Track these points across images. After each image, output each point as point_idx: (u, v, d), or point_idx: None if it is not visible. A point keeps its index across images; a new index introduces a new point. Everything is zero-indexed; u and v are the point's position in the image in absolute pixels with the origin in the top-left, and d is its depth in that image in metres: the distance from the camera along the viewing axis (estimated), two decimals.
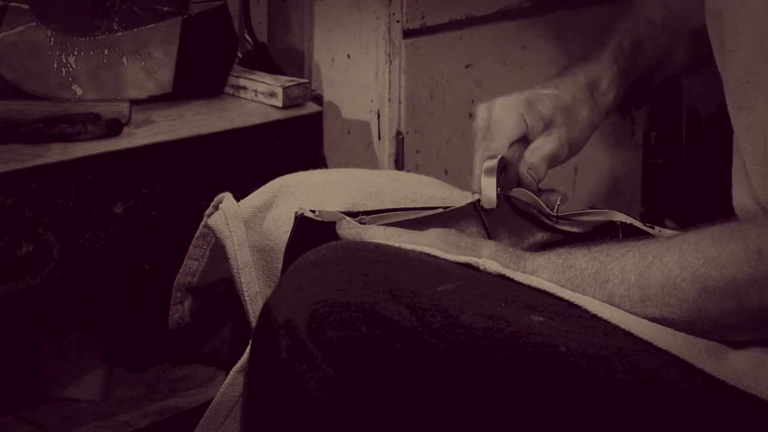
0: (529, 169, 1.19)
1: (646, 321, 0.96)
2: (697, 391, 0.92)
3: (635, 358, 0.93)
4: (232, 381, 1.08)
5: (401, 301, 0.91)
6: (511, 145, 1.19)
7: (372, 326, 0.90)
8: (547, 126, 1.21)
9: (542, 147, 1.20)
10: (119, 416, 1.72)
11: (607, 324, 0.95)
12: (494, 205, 1.14)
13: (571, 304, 0.97)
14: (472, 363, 0.90)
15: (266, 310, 0.94)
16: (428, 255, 1.01)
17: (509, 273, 0.99)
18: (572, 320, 0.95)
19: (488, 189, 1.15)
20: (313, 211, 1.10)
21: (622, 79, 1.29)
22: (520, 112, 1.19)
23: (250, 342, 0.98)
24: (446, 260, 1.00)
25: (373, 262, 0.96)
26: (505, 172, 1.18)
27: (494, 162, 1.16)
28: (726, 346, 0.95)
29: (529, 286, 0.98)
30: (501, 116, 1.19)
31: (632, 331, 0.95)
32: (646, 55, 1.31)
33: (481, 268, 1.00)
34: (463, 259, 1.01)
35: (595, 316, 0.96)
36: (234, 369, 1.09)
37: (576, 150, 1.25)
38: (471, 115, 1.66)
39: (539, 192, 1.20)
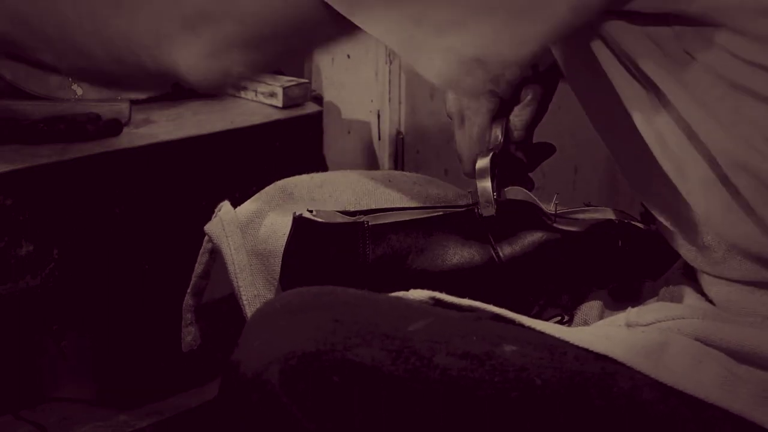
0: (517, 150, 1.18)
1: (616, 338, 0.95)
2: (673, 410, 0.91)
3: (608, 381, 0.91)
4: None
5: (374, 345, 0.89)
6: (493, 119, 1.18)
7: (345, 375, 0.87)
8: (520, 86, 1.19)
9: (522, 115, 1.18)
10: (119, 416, 1.72)
11: (576, 348, 0.93)
12: (493, 212, 1.13)
13: (539, 332, 0.95)
14: (450, 403, 0.89)
15: (234, 364, 0.91)
16: (398, 297, 0.99)
17: (468, 303, 0.97)
18: (544, 348, 0.93)
19: (485, 194, 1.14)
20: (311, 211, 1.10)
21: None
22: (488, 89, 1.17)
23: (219, 398, 0.94)
24: (413, 298, 0.98)
25: (341, 305, 0.93)
26: (499, 162, 1.17)
27: (486, 162, 1.15)
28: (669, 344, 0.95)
29: (498, 316, 0.97)
30: (470, 101, 1.17)
31: (604, 353, 0.93)
32: None
33: (446, 300, 0.98)
34: (428, 294, 0.98)
35: (564, 342, 0.94)
36: None
37: (552, 92, 1.21)
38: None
39: (531, 161, 1.19)
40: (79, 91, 1.62)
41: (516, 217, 1.16)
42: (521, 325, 0.95)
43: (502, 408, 0.89)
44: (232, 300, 1.18)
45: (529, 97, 1.19)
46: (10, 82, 1.62)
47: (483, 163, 1.15)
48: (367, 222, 1.10)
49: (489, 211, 1.13)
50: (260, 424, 0.88)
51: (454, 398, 0.89)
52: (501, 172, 1.17)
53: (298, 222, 1.09)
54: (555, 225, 1.17)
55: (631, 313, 1.00)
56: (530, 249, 1.13)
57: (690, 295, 1.02)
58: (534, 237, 1.16)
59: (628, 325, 1.00)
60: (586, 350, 0.93)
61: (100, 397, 1.76)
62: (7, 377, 1.73)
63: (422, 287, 1.01)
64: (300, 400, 0.87)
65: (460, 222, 1.13)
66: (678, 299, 1.03)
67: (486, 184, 1.13)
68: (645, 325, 0.99)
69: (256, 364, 0.89)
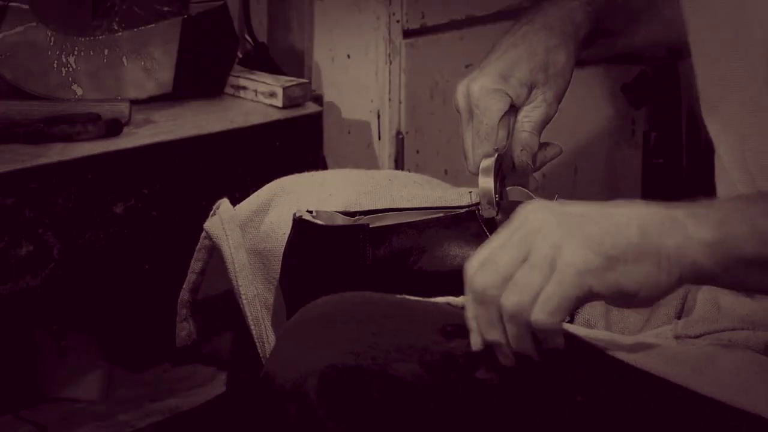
0: (522, 150, 1.17)
1: (665, 354, 0.93)
2: (719, 425, 0.90)
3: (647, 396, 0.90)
4: None
5: (413, 360, 0.88)
6: (501, 118, 1.17)
7: (384, 390, 0.86)
8: (531, 88, 1.18)
9: (531, 115, 1.17)
10: (119, 416, 1.72)
11: (618, 363, 0.91)
12: (494, 214, 1.12)
13: (585, 342, 0.93)
14: (492, 415, 0.87)
15: (269, 376, 0.89)
16: (435, 304, 0.97)
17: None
18: (585, 363, 0.92)
19: (487, 194, 1.13)
20: (310, 212, 1.10)
21: (593, 17, 1.22)
22: (499, 88, 1.16)
23: (255, 409, 0.93)
24: (456, 306, 0.96)
25: (380, 317, 0.92)
26: (502, 163, 1.16)
27: (491, 162, 1.14)
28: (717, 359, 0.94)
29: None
30: (481, 98, 1.16)
31: (648, 369, 0.91)
32: (608, 15, 1.25)
33: (459, 302, 0.97)
34: (464, 300, 0.95)
35: (617, 360, 0.92)
36: None
37: (562, 95, 1.21)
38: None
39: (535, 162, 1.18)
40: (79, 91, 1.62)
41: None
42: (577, 338, 0.93)
43: (534, 419, 0.88)
44: (228, 297, 1.18)
45: (539, 98, 1.18)
46: (10, 82, 1.62)
47: (488, 162, 1.14)
48: (368, 224, 1.10)
49: (490, 212, 1.12)
50: None
51: (496, 409, 0.87)
52: (505, 173, 1.17)
53: (299, 224, 1.09)
54: None
55: (679, 325, 0.99)
56: None
57: (736, 302, 1.00)
58: None
59: (677, 338, 0.98)
60: (628, 365, 0.91)
61: (100, 397, 1.76)
62: (7, 377, 1.73)
63: (423, 289, 1.01)
64: (337, 414, 0.85)
65: (461, 223, 1.13)
66: (724, 307, 1.01)
67: (489, 185, 1.13)
68: (694, 337, 0.97)
69: (293, 376, 0.87)
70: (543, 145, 1.21)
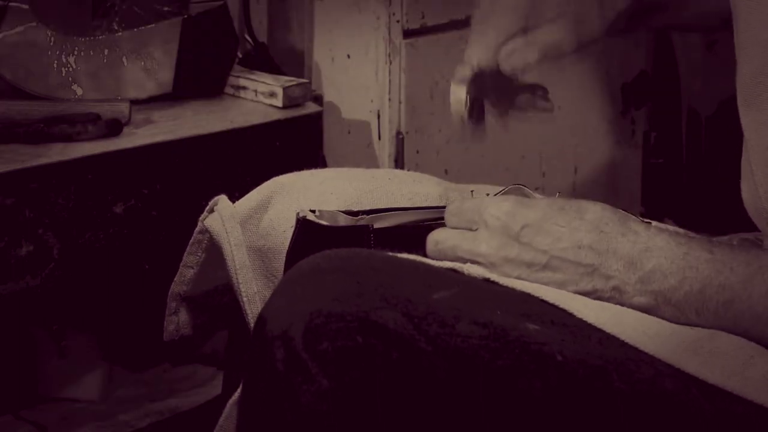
0: (513, 52, 1.14)
1: (640, 327, 0.95)
2: (693, 401, 0.91)
3: (631, 367, 0.91)
4: (229, 414, 1.08)
5: (397, 309, 0.90)
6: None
7: (368, 335, 0.88)
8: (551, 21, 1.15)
9: (542, 35, 1.14)
10: (119, 416, 1.72)
11: (601, 333, 0.94)
12: (462, 114, 1.11)
13: (564, 312, 0.95)
14: (468, 372, 0.89)
15: (261, 321, 0.93)
16: (422, 261, 1.00)
17: (495, 278, 0.98)
18: (566, 329, 0.94)
19: (457, 104, 1.11)
20: (313, 211, 1.10)
21: None
22: (523, 5, 1.14)
23: (246, 354, 0.96)
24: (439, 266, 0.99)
25: (367, 269, 0.95)
26: (486, 77, 1.14)
27: (467, 69, 1.11)
28: (716, 338, 0.94)
29: (522, 292, 0.97)
30: (500, 6, 1.14)
31: (626, 340, 0.93)
32: None
33: (466, 273, 0.99)
34: (448, 265, 0.99)
35: (589, 325, 0.94)
36: (230, 401, 1.08)
37: (582, 47, 1.17)
38: None
39: (516, 84, 1.16)
40: (79, 91, 1.62)
41: None
42: (547, 303, 0.96)
43: (519, 380, 0.89)
44: (223, 293, 1.18)
45: (557, 24, 1.15)
46: (10, 82, 1.62)
47: (464, 71, 1.12)
48: (372, 224, 1.10)
49: (458, 112, 1.11)
50: (282, 381, 0.89)
51: (472, 366, 0.89)
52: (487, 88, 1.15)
53: (303, 224, 1.09)
54: None
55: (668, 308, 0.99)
56: None
57: None
58: None
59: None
60: (610, 335, 0.93)
61: (100, 397, 1.76)
62: (7, 377, 1.73)
63: None
64: (320, 357, 0.88)
65: None
66: None
67: (460, 95, 1.11)
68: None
69: (281, 320, 0.90)
70: (536, 88, 1.19)
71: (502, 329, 0.91)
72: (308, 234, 1.09)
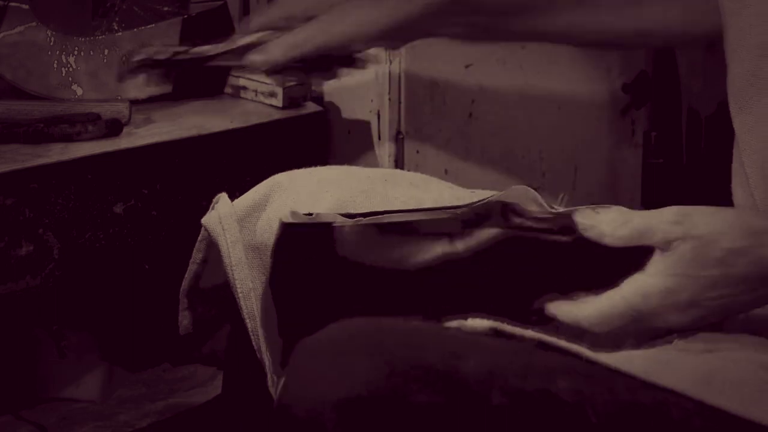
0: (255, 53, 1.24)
1: (672, 364, 0.93)
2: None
3: (663, 410, 0.89)
4: None
5: (428, 387, 0.88)
6: None
7: (402, 418, 0.87)
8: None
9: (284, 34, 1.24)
10: (119, 416, 1.72)
11: (627, 378, 0.91)
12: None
13: (591, 362, 0.93)
14: None
15: (283, 407, 0.90)
16: (446, 329, 0.98)
17: (530, 335, 0.96)
18: (595, 380, 0.91)
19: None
20: (310, 214, 1.09)
21: None
22: None
23: None
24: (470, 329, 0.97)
25: (393, 346, 0.92)
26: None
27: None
28: (728, 367, 0.93)
29: (548, 345, 0.94)
30: None
31: (662, 384, 0.91)
32: None
33: (469, 326, 0.97)
34: (485, 325, 0.97)
35: (616, 371, 0.92)
36: None
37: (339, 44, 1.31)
38: (471, 116, 1.66)
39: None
40: (79, 91, 1.62)
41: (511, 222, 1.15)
42: (571, 354, 0.93)
43: None
44: (227, 288, 1.18)
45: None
46: (10, 82, 1.62)
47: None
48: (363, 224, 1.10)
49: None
50: None
51: None
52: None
53: (283, 228, 1.07)
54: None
55: (679, 344, 0.99)
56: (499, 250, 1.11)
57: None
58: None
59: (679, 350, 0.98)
60: (636, 378, 0.91)
61: (100, 397, 1.76)
62: (7, 377, 1.73)
63: (424, 294, 1.01)
64: None
65: (449, 227, 1.12)
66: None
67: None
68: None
69: (309, 406, 0.88)
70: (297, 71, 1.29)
71: (533, 398, 0.89)
72: (294, 234, 1.08)
